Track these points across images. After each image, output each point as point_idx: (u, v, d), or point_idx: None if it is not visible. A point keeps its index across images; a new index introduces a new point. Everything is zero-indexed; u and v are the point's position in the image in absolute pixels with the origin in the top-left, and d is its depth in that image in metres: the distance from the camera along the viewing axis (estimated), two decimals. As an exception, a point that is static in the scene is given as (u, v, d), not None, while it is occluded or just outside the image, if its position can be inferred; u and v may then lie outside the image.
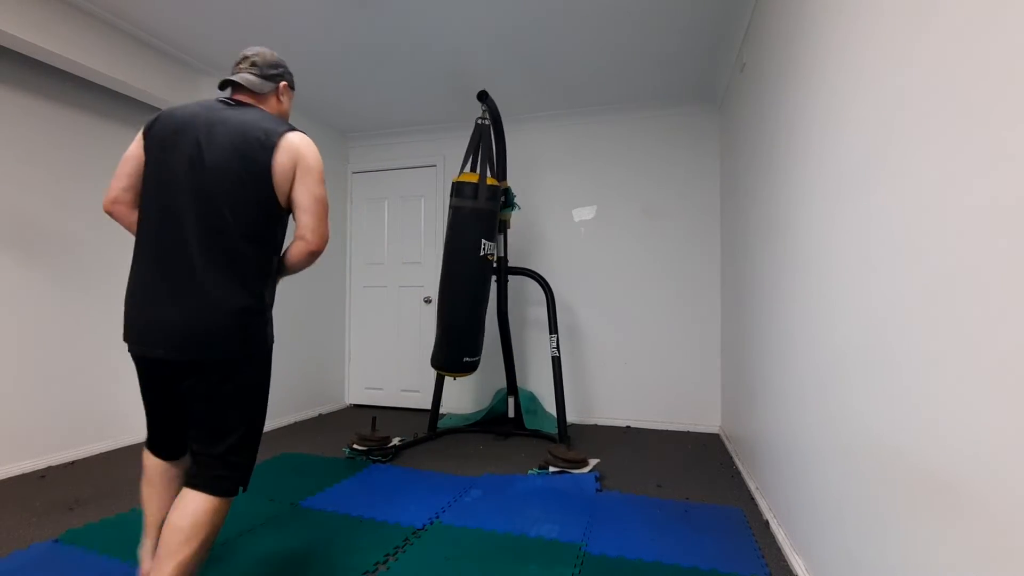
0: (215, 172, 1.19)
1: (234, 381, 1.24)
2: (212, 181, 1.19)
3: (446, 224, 2.95)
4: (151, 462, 1.35)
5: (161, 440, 1.34)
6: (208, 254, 1.18)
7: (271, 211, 1.26)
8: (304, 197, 1.26)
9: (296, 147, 1.25)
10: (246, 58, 1.37)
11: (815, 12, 1.47)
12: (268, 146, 1.22)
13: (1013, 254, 0.66)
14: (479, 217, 2.74)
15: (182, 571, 1.14)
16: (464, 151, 3.88)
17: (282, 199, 1.27)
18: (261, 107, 1.36)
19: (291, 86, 1.46)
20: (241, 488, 1.26)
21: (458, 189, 2.76)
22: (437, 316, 2.84)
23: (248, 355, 1.25)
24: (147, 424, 1.33)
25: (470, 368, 2.81)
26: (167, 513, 1.24)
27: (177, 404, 1.29)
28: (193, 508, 1.18)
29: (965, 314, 0.76)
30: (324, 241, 1.30)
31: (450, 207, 2.81)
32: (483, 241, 2.75)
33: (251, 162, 1.21)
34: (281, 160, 1.23)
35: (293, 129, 1.29)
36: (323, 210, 1.29)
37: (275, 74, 1.39)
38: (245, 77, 1.34)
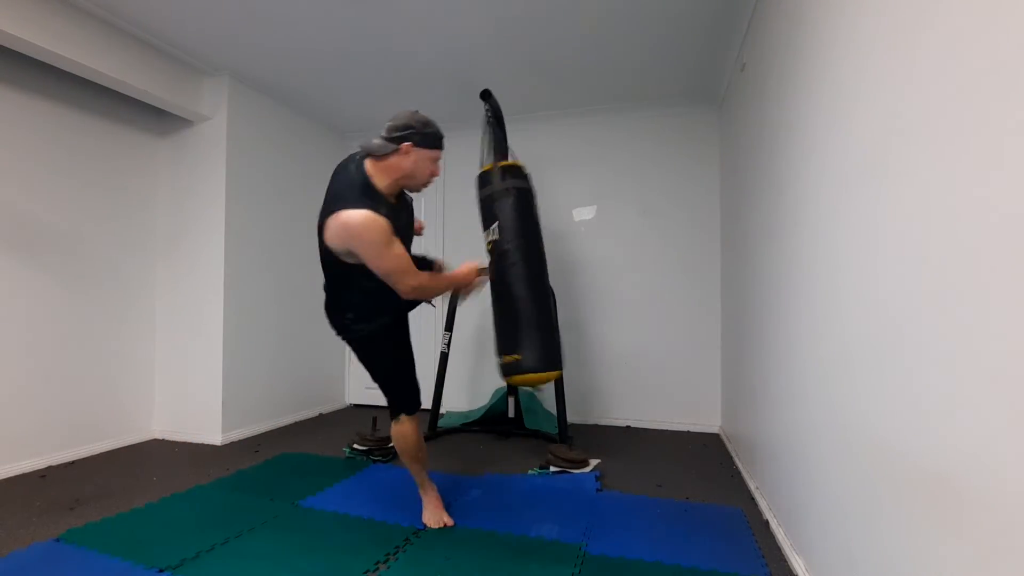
0: None
1: None
2: None
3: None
4: None
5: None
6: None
7: (338, 265, 1.64)
8: (375, 266, 1.56)
9: (339, 227, 1.54)
10: (387, 128, 1.69)
11: (815, 12, 1.47)
12: (320, 226, 1.63)
13: (1018, 253, 0.66)
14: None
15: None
16: (465, 151, 3.89)
17: (346, 259, 1.61)
18: (376, 166, 1.65)
19: (420, 144, 1.64)
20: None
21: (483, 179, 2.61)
22: (534, 314, 2.35)
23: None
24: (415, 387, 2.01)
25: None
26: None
27: None
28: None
29: (968, 313, 0.76)
30: (409, 289, 1.62)
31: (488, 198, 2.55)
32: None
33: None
34: (330, 237, 1.58)
35: (350, 207, 1.52)
36: (394, 273, 1.57)
37: (399, 136, 1.62)
38: (368, 140, 1.69)
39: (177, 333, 3.12)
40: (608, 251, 3.59)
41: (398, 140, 1.60)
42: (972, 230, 0.75)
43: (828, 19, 1.36)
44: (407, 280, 1.58)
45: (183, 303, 3.11)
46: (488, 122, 2.80)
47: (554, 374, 2.31)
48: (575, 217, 3.67)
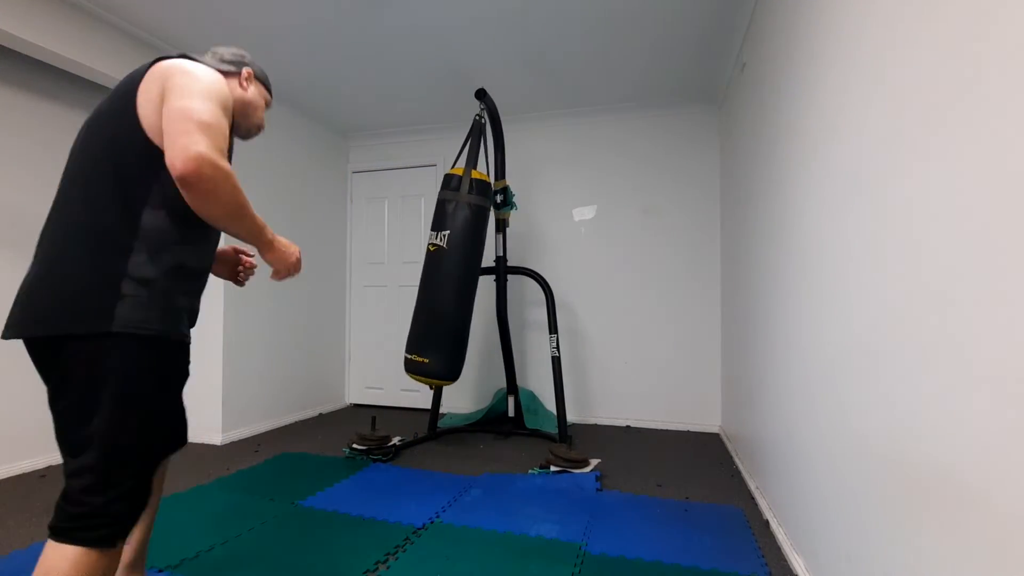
0: None
1: None
2: None
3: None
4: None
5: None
6: None
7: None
8: (170, 106, 0.97)
9: (164, 69, 1.01)
10: (213, 53, 1.26)
11: (815, 11, 1.47)
12: (131, 87, 1.02)
13: (1017, 253, 0.67)
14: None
15: None
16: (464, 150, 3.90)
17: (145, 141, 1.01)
18: None
19: (259, 78, 1.31)
20: None
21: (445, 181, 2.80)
22: (454, 328, 2.66)
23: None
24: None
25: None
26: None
27: None
28: None
29: (968, 313, 0.76)
30: (193, 156, 0.92)
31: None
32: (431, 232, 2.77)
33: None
34: (142, 91, 1.00)
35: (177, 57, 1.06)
36: (191, 121, 0.95)
37: (238, 61, 1.26)
38: (202, 58, 1.22)
39: (177, 333, 3.12)
40: (608, 251, 3.59)
41: (238, 63, 1.25)
42: (972, 230, 0.75)
43: (828, 19, 1.36)
44: (201, 137, 0.93)
45: (183, 303, 3.11)
46: (476, 124, 2.82)
47: (447, 383, 2.68)
48: (575, 217, 3.67)
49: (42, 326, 0.96)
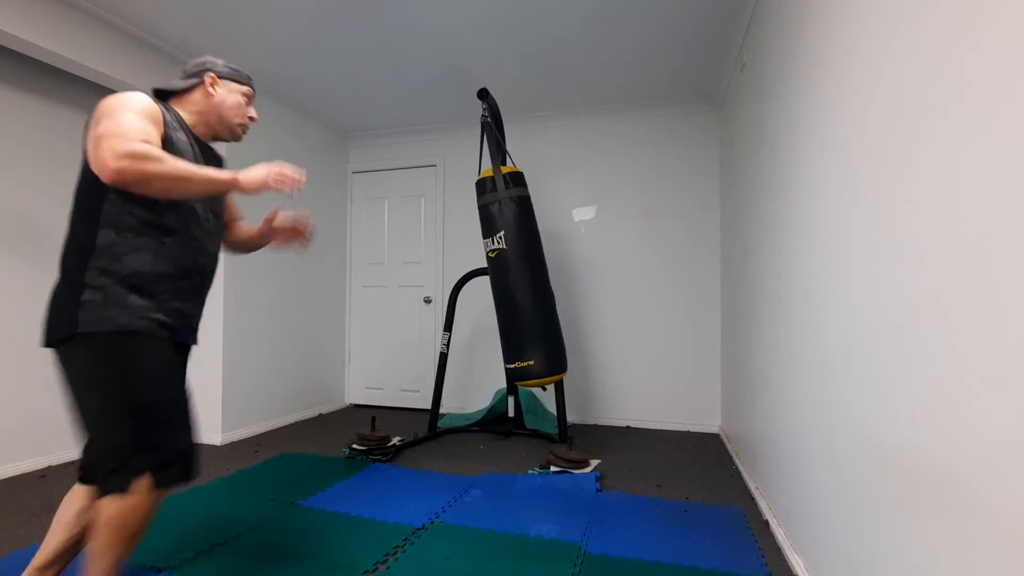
0: None
1: None
2: None
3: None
4: None
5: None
6: None
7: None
8: (94, 134, 1.09)
9: (95, 111, 1.14)
10: (181, 71, 1.38)
11: (815, 11, 1.47)
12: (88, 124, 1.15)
13: (1017, 253, 0.66)
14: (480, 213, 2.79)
15: None
16: (465, 150, 3.90)
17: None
18: (181, 103, 1.34)
19: (225, 76, 1.37)
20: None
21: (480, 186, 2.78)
22: (539, 321, 2.64)
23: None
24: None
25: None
26: None
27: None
28: None
29: (968, 313, 0.76)
30: (112, 157, 1.04)
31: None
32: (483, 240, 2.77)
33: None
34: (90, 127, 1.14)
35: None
36: (106, 136, 1.06)
37: (198, 70, 1.34)
38: (169, 82, 1.38)
39: (177, 333, 3.12)
40: (608, 251, 3.59)
41: (199, 72, 1.34)
42: (972, 229, 0.75)
43: (827, 19, 1.36)
44: (116, 143, 1.05)
45: (183, 303, 3.11)
46: (485, 123, 2.82)
47: (560, 376, 2.62)
48: (575, 217, 3.67)
49: (45, 338, 1.17)
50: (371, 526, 1.88)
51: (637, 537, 1.80)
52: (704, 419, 3.38)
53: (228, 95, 1.36)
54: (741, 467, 2.53)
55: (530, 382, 2.59)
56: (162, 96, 1.34)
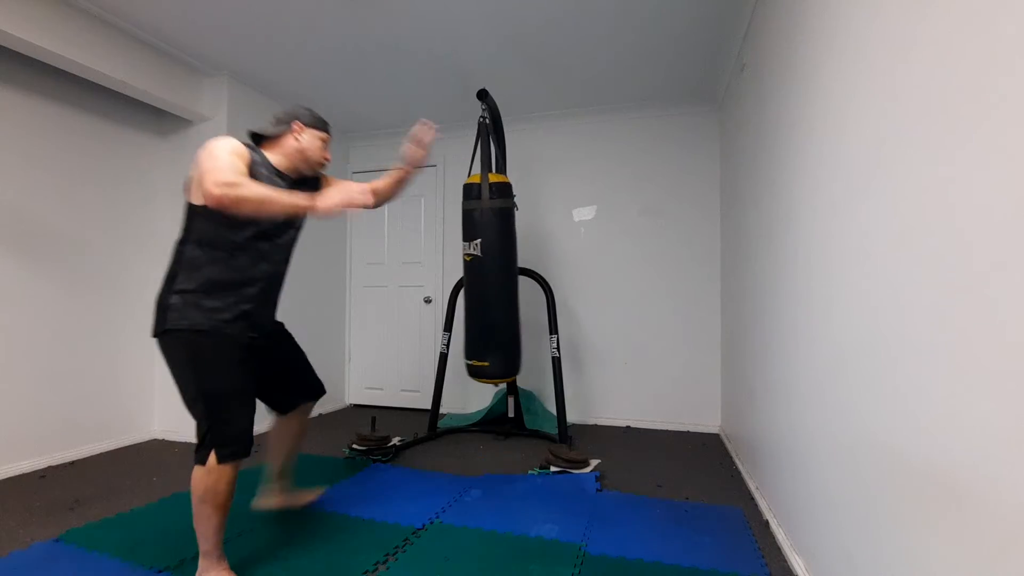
0: None
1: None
2: None
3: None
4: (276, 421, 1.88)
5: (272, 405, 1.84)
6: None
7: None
8: (199, 174, 1.44)
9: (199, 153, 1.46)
10: (273, 117, 1.68)
11: (815, 11, 1.47)
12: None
13: (1014, 252, 0.66)
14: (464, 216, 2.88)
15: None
16: (465, 151, 3.89)
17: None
18: (272, 148, 1.64)
19: (311, 124, 1.66)
20: None
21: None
22: (504, 329, 2.85)
23: None
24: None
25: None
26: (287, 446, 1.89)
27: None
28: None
29: (966, 312, 0.76)
30: (216, 187, 1.33)
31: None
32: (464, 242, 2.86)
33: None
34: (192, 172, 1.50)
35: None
36: (208, 171, 1.37)
37: (288, 117, 1.65)
38: (261, 126, 1.67)
39: (177, 333, 3.12)
40: (608, 251, 3.59)
41: (288, 121, 1.64)
42: (971, 230, 0.75)
43: (827, 19, 1.36)
44: (216, 175, 1.35)
45: (183, 303, 3.11)
46: (481, 125, 2.83)
47: (512, 378, 2.93)
48: (575, 217, 3.67)
49: (153, 331, 1.50)
50: (371, 526, 1.88)
51: (637, 537, 1.80)
52: (704, 419, 3.38)
53: (311, 140, 1.66)
54: (741, 467, 2.53)
55: (482, 379, 2.85)
56: (256, 139, 1.66)
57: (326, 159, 1.72)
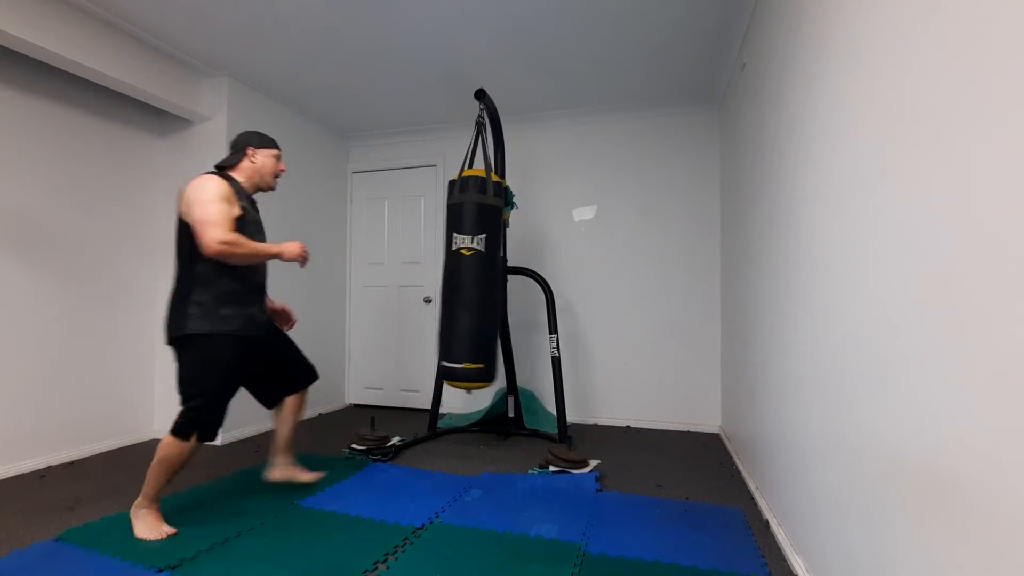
0: None
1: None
2: None
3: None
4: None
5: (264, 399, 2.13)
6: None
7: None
8: (192, 218, 1.76)
9: (184, 193, 1.80)
10: (230, 146, 2.00)
11: (815, 11, 1.47)
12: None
13: (1017, 252, 0.66)
14: (450, 210, 2.77)
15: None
16: (464, 151, 3.90)
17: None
18: (237, 173, 1.96)
19: (260, 146, 1.98)
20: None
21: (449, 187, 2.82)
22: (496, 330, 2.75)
23: None
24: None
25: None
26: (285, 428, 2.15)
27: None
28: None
29: (968, 312, 0.76)
30: (214, 242, 1.69)
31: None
32: (454, 234, 2.71)
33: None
34: (179, 207, 1.83)
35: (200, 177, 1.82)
36: (202, 223, 1.71)
37: (241, 145, 1.96)
38: (222, 159, 1.99)
39: (177, 333, 3.12)
40: (608, 251, 3.59)
41: (242, 148, 1.95)
42: (972, 229, 0.75)
43: (827, 19, 1.36)
44: (212, 232, 1.69)
45: (183, 303, 3.11)
46: (479, 124, 2.83)
47: (486, 384, 2.71)
48: (575, 217, 3.67)
49: (167, 336, 1.81)
50: (371, 526, 1.88)
51: (637, 537, 1.80)
52: (704, 419, 3.38)
53: (265, 159, 1.99)
54: (741, 467, 2.53)
55: (458, 384, 2.64)
56: (222, 167, 1.94)
57: (281, 170, 2.04)
